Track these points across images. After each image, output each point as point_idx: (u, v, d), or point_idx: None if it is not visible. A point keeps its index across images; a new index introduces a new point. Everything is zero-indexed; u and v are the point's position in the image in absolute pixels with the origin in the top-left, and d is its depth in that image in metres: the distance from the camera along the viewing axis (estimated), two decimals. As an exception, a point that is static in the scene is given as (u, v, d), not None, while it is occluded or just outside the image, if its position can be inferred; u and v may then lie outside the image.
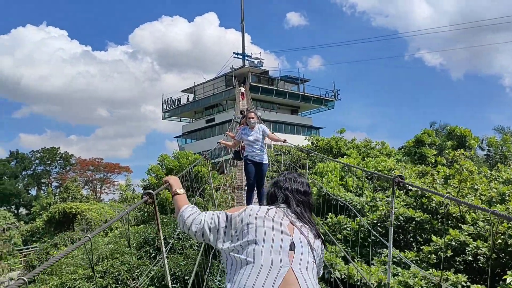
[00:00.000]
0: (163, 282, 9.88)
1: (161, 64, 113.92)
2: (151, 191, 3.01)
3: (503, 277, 5.61)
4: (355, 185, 15.42)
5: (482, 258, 10.47)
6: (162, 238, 3.61)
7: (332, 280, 10.15)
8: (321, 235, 2.38)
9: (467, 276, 9.50)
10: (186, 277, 9.21)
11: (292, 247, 2.12)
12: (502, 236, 10.40)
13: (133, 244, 11.09)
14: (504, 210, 11.19)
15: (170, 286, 3.89)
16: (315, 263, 2.19)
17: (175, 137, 57.54)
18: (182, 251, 10.78)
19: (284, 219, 2.29)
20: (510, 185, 12.93)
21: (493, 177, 14.27)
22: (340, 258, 11.03)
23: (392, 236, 4.07)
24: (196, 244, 10.82)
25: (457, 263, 10.48)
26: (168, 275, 4.05)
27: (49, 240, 20.65)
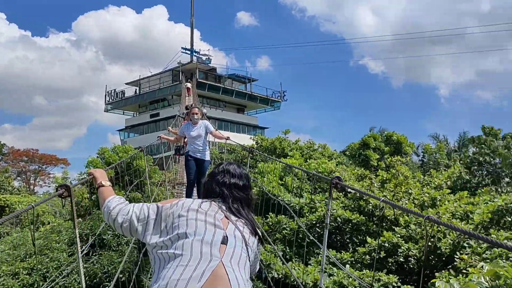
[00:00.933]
0: (94, 281, 9.51)
1: (107, 54, 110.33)
2: (68, 183, 2.77)
3: (432, 281, 5.81)
4: (295, 186, 15.61)
5: (412, 259, 10.91)
6: (77, 235, 3.33)
7: (269, 280, 10.18)
8: (258, 232, 2.28)
9: (398, 276, 9.86)
10: (120, 275, 8.90)
11: (225, 240, 2.02)
12: (432, 239, 10.88)
13: (65, 239, 10.59)
14: (434, 214, 11.72)
15: (84, 286, 3.68)
16: (249, 259, 2.08)
17: (117, 130, 55.91)
18: (117, 248, 10.43)
19: (219, 213, 2.19)
20: (441, 191, 13.57)
21: (426, 182, 14.93)
22: (278, 258, 11.11)
23: (326, 238, 4.08)
24: (135, 241, 10.52)
25: (390, 264, 10.86)
26: (83, 275, 3.81)
27: (-26, 233, 19.38)
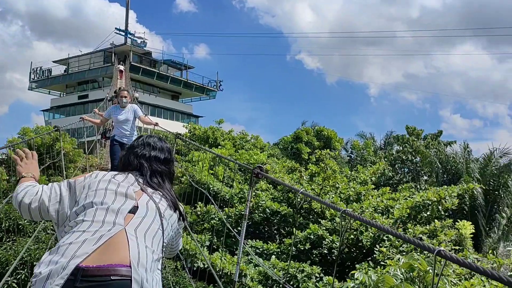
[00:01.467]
0: (7, 268, 8.92)
1: (34, 29, 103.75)
2: None
3: (352, 272, 5.98)
4: (226, 176, 15.56)
5: (335, 251, 11.27)
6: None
7: (194, 269, 10.07)
8: (180, 207, 2.15)
9: (321, 268, 10.13)
10: (35, 263, 8.38)
11: (134, 210, 1.89)
12: (354, 232, 11.29)
13: (-26, 224, 9.84)
14: (359, 208, 12.17)
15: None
16: (163, 232, 1.93)
17: (41, 110, 52.82)
18: (34, 234, 9.83)
19: (134, 185, 2.06)
20: (366, 186, 14.12)
21: (353, 177, 15.46)
22: (205, 248, 11.01)
23: (244, 229, 4.03)
24: (51, 227, 9.97)
25: (314, 255, 11.14)
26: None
27: None
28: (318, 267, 10.03)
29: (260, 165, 3.43)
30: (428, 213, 11.19)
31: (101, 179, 2.02)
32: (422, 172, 23.01)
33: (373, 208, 12.13)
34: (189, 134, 25.37)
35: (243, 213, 12.40)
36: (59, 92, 53.14)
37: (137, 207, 1.92)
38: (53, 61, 51.97)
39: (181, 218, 2.16)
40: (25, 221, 10.14)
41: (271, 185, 15.35)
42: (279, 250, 11.31)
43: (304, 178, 13.72)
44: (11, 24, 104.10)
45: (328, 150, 14.20)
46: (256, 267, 10.08)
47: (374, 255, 9.83)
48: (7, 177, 18.33)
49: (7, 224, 10.16)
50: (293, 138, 25.93)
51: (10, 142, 19.90)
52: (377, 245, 10.19)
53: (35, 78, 51.11)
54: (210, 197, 7.39)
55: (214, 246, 11.42)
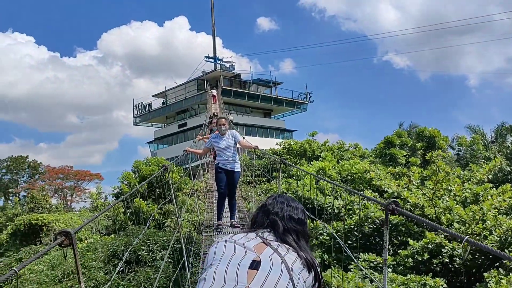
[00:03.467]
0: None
1: (132, 68, 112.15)
2: (69, 229, 2.44)
3: (477, 284, 5.43)
4: (330, 189, 15.23)
5: (458, 259, 10.40)
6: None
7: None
8: (317, 269, 1.95)
9: (444, 279, 9.38)
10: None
11: (255, 265, 1.75)
12: (477, 237, 10.36)
13: (100, 257, 10.54)
14: (478, 210, 11.16)
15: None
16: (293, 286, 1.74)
17: (146, 142, 56.57)
18: (152, 264, 10.32)
19: (255, 239, 1.92)
20: (483, 186, 12.96)
21: (466, 178, 14.30)
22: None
23: (386, 254, 3.62)
24: (168, 256, 10.38)
25: (434, 265, 10.38)
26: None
27: (13, 254, 19.73)
28: (442, 279, 9.30)
29: (396, 200, 2.99)
30: None
31: (219, 243, 1.94)
32: (547, 163, 20.65)
33: (495, 210, 11.05)
34: (284, 150, 25.40)
35: (352, 226, 12.00)
36: (161, 124, 56.55)
37: (260, 261, 1.78)
38: (152, 95, 55.67)
39: (317, 282, 1.94)
40: (143, 251, 10.62)
41: (377, 193, 14.73)
42: (394, 262, 10.72)
43: (414, 183, 12.95)
44: (112, 66, 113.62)
45: (439, 151, 13.28)
46: (372, 283, 9.62)
47: (503, 261, 8.92)
48: (123, 210, 19.73)
49: (128, 256, 10.77)
50: (384, 144, 24.69)
51: (124, 176, 21.46)
52: (505, 250, 9.24)
53: (138, 113, 55.00)
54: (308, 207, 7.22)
55: (325, 263, 11.13)
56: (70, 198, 61.74)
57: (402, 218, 11.95)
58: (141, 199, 15.76)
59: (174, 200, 10.70)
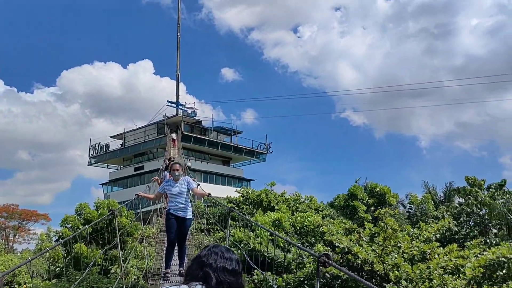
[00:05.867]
0: None
1: (92, 108, 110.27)
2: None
3: None
4: (283, 242, 15.19)
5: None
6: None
7: None
8: None
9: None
10: None
11: None
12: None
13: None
14: (425, 268, 11.37)
15: None
16: None
17: (100, 184, 54.97)
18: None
19: None
20: (430, 244, 13.28)
21: (415, 235, 14.63)
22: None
23: None
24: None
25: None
26: None
27: None
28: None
29: (327, 253, 3.03)
30: (504, 271, 10.28)
31: None
32: (491, 225, 21.54)
33: (441, 269, 11.30)
34: (242, 198, 25.36)
35: (301, 279, 11.93)
36: (117, 166, 55.38)
37: None
38: (110, 136, 54.75)
39: None
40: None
41: (329, 247, 14.80)
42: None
43: (364, 239, 13.14)
44: (71, 104, 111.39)
45: (387, 208, 13.62)
46: None
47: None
48: (65, 254, 18.82)
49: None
50: (348, 195, 25.41)
51: (65, 220, 20.52)
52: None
53: (94, 154, 53.75)
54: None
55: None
56: (12, 238, 58.40)
57: (353, 273, 12.01)
58: (83, 244, 15.12)
59: (120, 246, 10.38)
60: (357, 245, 13.37)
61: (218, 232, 18.67)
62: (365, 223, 16.54)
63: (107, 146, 53.46)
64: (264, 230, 13.99)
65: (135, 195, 9.35)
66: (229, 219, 9.57)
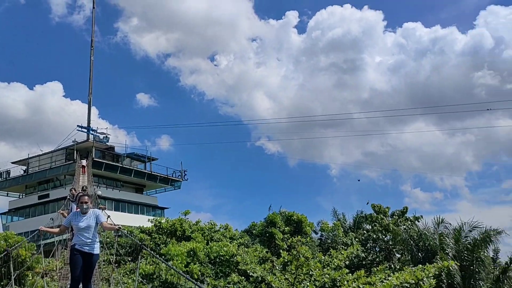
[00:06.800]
0: None
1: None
2: None
3: None
4: (199, 272, 14.91)
5: None
6: None
7: None
8: None
9: None
10: None
11: None
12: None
13: None
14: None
15: None
16: None
17: (-1, 213, 50.49)
18: None
19: None
20: (340, 271, 13.73)
21: (326, 263, 15.06)
22: None
23: None
24: None
25: None
26: None
27: None
28: None
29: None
30: (407, 296, 10.87)
31: None
32: (395, 250, 22.83)
33: (351, 295, 11.70)
34: (155, 228, 24.57)
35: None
36: (19, 193, 51.35)
37: None
38: (12, 162, 50.77)
39: None
40: None
41: (243, 277, 14.74)
42: None
43: (277, 267, 13.27)
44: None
45: (299, 236, 13.93)
46: None
47: None
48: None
49: None
50: (267, 222, 25.63)
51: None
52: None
53: (-7, 180, 49.46)
54: None
55: None
56: None
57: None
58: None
59: (12, 281, 9.60)
60: (270, 274, 13.45)
61: (129, 264, 17.87)
62: (281, 251, 16.77)
63: (8, 172, 49.47)
64: (178, 262, 13.65)
65: (38, 230, 8.64)
66: (140, 255, 9.20)
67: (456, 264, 15.20)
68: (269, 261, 14.24)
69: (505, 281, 19.36)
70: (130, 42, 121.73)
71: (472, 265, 17.58)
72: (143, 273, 13.48)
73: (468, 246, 18.79)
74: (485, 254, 19.30)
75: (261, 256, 15.74)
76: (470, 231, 19.64)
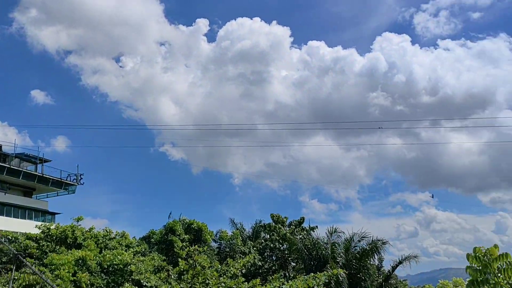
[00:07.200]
0: None
1: None
2: None
3: None
4: (88, 282, 14.09)
5: None
6: None
7: None
8: None
9: None
10: None
11: None
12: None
13: None
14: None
15: None
16: None
17: None
18: None
19: None
20: (236, 280, 13.81)
21: (223, 271, 15.06)
22: None
23: None
24: None
25: None
26: None
27: None
28: None
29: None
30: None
31: None
32: (290, 259, 23.53)
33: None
34: (43, 234, 22.83)
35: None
36: None
37: None
38: None
39: None
40: None
41: (137, 287, 14.19)
42: None
43: (172, 276, 13.00)
44: None
45: (196, 246, 13.80)
46: None
47: None
48: None
49: None
50: (166, 230, 25.11)
51: None
52: None
53: None
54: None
55: None
56: None
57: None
58: None
59: None
60: (165, 283, 13.14)
61: (9, 273, 16.39)
62: (179, 260, 16.47)
63: None
64: (65, 271, 12.79)
65: None
66: (14, 265, 8.49)
67: (344, 272, 16.04)
68: (164, 270, 13.89)
69: (387, 287, 20.87)
70: (27, 34, 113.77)
71: (359, 273, 18.69)
72: (24, 283, 12.39)
73: (357, 255, 19.97)
74: (371, 263, 20.65)
75: (156, 264, 15.33)
76: (359, 241, 20.90)
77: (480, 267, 6.05)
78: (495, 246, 6.23)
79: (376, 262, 23.19)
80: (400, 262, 21.78)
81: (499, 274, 5.86)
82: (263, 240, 26.34)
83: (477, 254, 6.25)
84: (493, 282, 5.78)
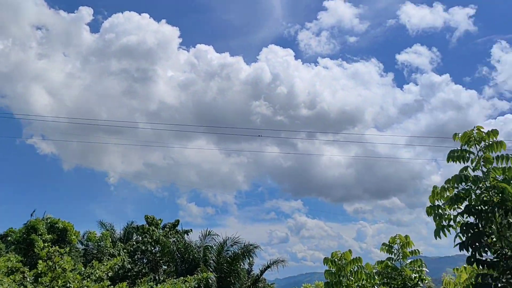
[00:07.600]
0: None
1: None
2: None
3: None
4: None
5: None
6: None
7: None
8: None
9: None
10: None
11: None
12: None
13: None
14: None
15: None
16: None
17: None
18: None
19: None
20: (101, 283, 13.12)
21: (87, 274, 14.21)
22: None
23: None
24: None
25: None
26: None
27: None
28: None
29: None
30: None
31: None
32: (161, 262, 23.09)
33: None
34: None
35: None
36: None
37: None
38: None
39: None
40: None
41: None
42: None
43: (28, 279, 11.93)
44: None
45: (57, 247, 12.84)
46: None
47: None
48: None
49: None
50: (27, 229, 23.01)
51: None
52: None
53: None
54: None
55: None
56: None
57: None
58: None
59: None
60: (20, 286, 12.04)
61: None
62: (39, 261, 15.15)
63: None
64: None
65: None
66: None
67: (214, 275, 16.19)
68: (19, 272, 12.71)
69: (255, 291, 21.55)
70: None
71: (229, 277, 18.99)
72: None
73: (228, 259, 20.29)
74: (241, 267, 21.15)
75: (10, 265, 13.95)
76: (232, 245, 21.27)
77: (335, 270, 6.50)
78: (349, 251, 6.77)
79: (247, 266, 23.81)
80: (269, 266, 22.67)
81: (351, 277, 6.35)
82: (134, 242, 25.49)
83: (334, 258, 6.71)
84: (345, 285, 6.23)
